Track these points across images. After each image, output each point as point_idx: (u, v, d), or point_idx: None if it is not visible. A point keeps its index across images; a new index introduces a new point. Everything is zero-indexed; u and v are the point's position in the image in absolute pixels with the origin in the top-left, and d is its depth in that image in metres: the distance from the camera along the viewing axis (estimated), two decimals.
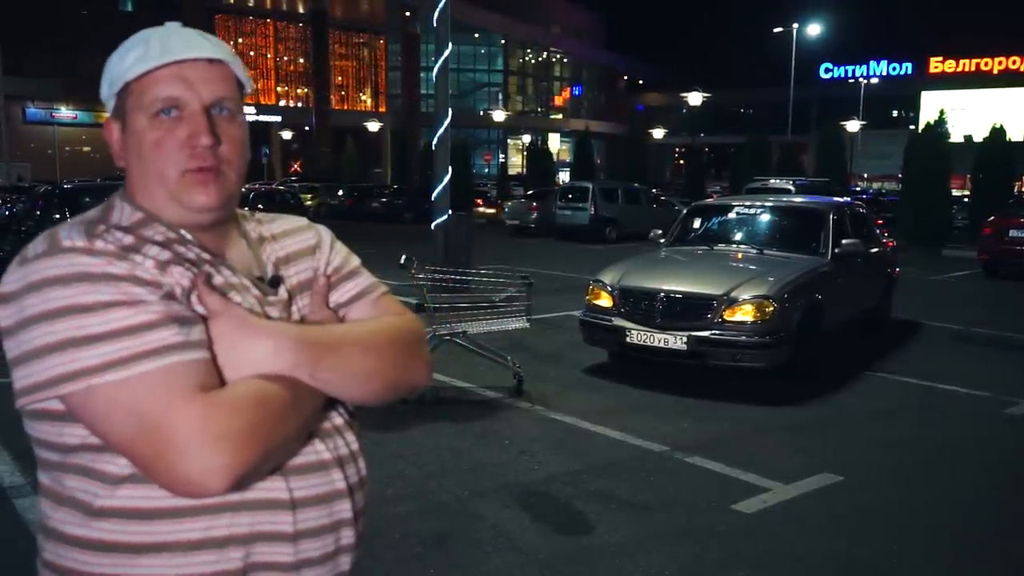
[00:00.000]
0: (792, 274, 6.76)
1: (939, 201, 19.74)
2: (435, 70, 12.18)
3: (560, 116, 71.26)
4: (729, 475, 4.71)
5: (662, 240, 8.43)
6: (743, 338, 6.25)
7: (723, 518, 4.11)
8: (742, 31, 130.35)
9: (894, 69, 62.22)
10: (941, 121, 20.25)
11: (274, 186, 28.77)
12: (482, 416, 5.79)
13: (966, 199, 24.20)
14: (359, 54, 57.06)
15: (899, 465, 5.00)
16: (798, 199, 10.20)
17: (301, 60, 53.51)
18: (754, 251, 7.54)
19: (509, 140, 65.56)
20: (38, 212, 10.92)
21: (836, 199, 9.82)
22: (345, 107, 54.92)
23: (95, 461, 1.04)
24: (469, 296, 6.76)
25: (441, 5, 11.70)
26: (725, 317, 6.29)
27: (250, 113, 1.25)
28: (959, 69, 59.12)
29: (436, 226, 11.76)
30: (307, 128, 51.37)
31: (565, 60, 72.64)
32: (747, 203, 8.59)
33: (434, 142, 12.33)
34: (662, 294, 6.56)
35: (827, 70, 64.81)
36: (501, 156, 58.69)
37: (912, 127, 37.00)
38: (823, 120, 46.89)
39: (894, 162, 26.83)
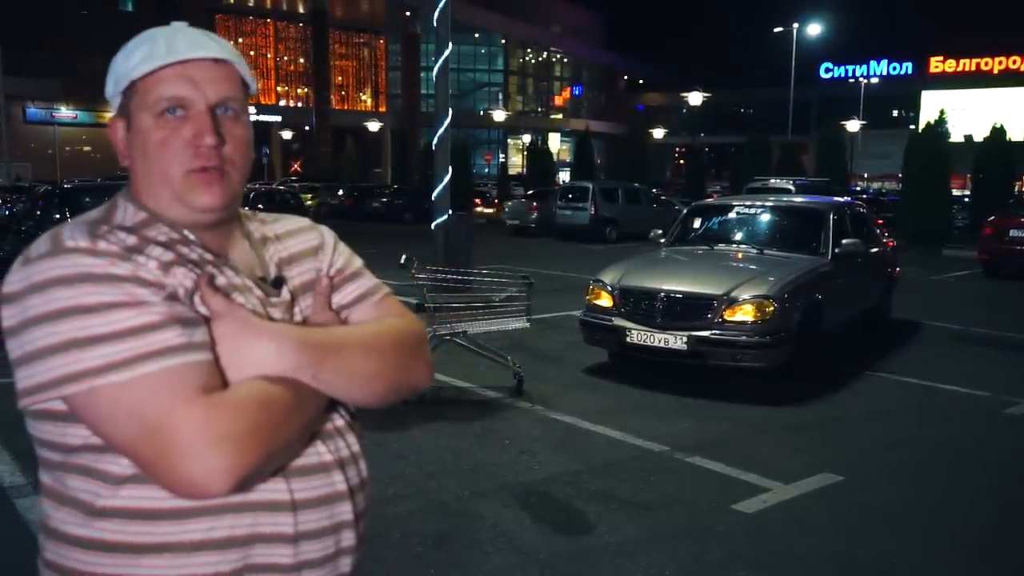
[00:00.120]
0: (792, 274, 6.76)
1: (939, 201, 19.74)
2: (435, 70, 12.19)
3: (560, 116, 71.27)
4: (729, 475, 4.71)
5: (662, 240, 8.43)
6: (743, 338, 6.26)
7: (723, 518, 4.11)
8: (742, 31, 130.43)
9: (894, 69, 62.21)
10: (941, 121, 20.25)
11: (274, 186, 28.80)
12: (482, 416, 5.79)
13: (966, 199, 24.20)
14: (359, 54, 57.07)
15: (899, 465, 5.00)
16: (798, 199, 10.20)
17: (301, 60, 53.52)
18: (754, 251, 7.54)
19: (509, 140, 65.57)
20: (38, 212, 10.91)
21: (836, 199, 9.82)
22: (345, 107, 54.94)
23: (97, 461, 1.04)
24: (469, 296, 6.76)
25: (441, 5, 11.70)
26: (725, 317, 6.29)
27: (250, 113, 1.25)
28: (959, 69, 59.12)
29: (436, 226, 11.77)
30: (307, 128, 51.38)
31: (565, 60, 72.65)
32: (747, 203, 8.59)
33: (434, 142, 12.34)
34: (662, 294, 6.56)
35: (827, 70, 64.81)
36: (501, 156, 58.66)
37: (912, 127, 36.98)
38: (823, 120, 46.89)
39: (894, 162, 26.84)
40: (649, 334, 6.50)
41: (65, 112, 41.00)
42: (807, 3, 51.82)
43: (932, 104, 33.99)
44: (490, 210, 30.74)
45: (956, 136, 25.16)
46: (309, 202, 30.37)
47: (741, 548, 3.79)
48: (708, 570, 3.59)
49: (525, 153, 41.51)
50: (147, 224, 1.11)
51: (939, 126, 20.20)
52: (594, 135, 40.83)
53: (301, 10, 52.24)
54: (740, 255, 7.59)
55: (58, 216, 9.64)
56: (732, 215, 8.44)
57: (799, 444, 5.32)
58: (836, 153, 27.96)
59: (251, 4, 51.29)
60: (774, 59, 55.80)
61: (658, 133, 57.12)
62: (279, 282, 1.22)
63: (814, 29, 44.11)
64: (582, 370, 7.22)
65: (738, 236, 8.06)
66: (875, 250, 8.88)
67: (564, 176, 46.85)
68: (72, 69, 38.25)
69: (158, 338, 0.99)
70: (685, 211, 9.12)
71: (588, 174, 30.96)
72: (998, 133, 21.16)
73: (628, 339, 6.63)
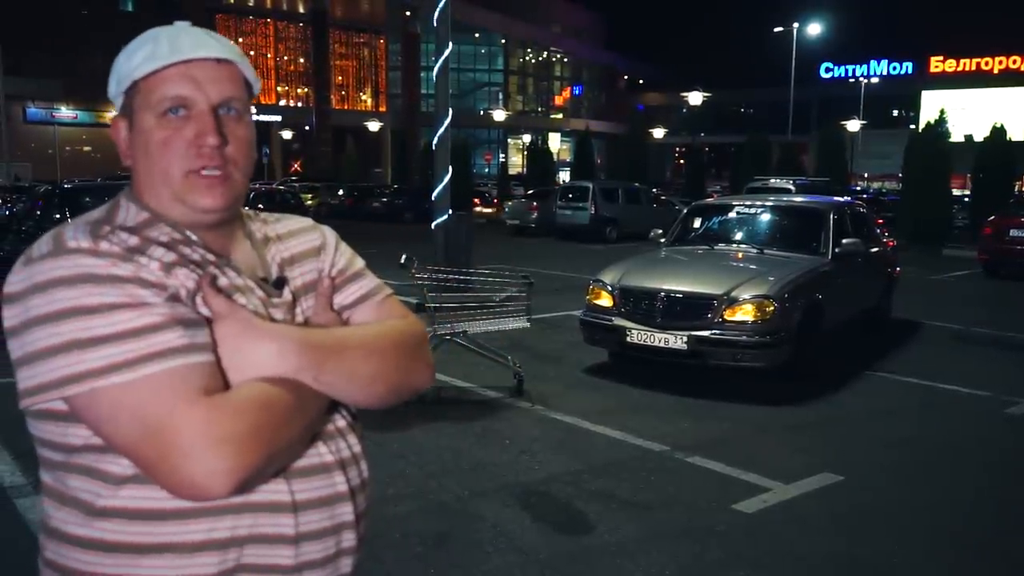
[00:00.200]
0: (792, 274, 6.76)
1: (939, 201, 19.74)
2: (435, 70, 12.18)
3: (560, 116, 71.27)
4: (729, 475, 4.71)
5: (662, 240, 8.43)
6: (743, 338, 6.25)
7: (723, 518, 4.11)
8: (742, 31, 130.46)
9: (894, 69, 62.22)
10: (941, 121, 20.25)
11: (274, 186, 28.81)
12: (482, 416, 5.79)
13: (966, 199, 24.20)
14: (359, 54, 57.08)
15: (900, 465, 5.00)
16: (798, 199, 10.19)
17: (301, 60, 53.53)
18: (754, 251, 7.54)
19: (509, 140, 65.58)
20: (38, 212, 10.91)
21: (836, 199, 9.81)
22: (345, 107, 54.95)
23: (98, 461, 1.04)
24: (469, 296, 6.76)
25: (441, 5, 11.70)
26: (725, 317, 6.29)
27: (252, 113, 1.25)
28: (959, 69, 59.13)
29: (436, 226, 11.76)
30: (307, 128, 51.38)
31: (565, 60, 72.66)
32: (747, 203, 8.59)
33: (434, 142, 12.33)
34: (662, 294, 6.56)
35: (827, 70, 64.82)
36: (501, 156, 58.64)
37: (912, 127, 36.99)
38: (823, 120, 46.97)
39: (894, 162, 26.83)
40: (649, 334, 6.50)
41: (65, 112, 41.01)
42: (807, 3, 51.87)
43: (932, 104, 33.97)
44: (489, 210, 30.77)
45: (956, 136, 25.15)
46: (309, 202, 30.38)
47: (741, 548, 3.79)
48: (708, 570, 3.59)
49: (525, 153, 41.51)
50: (149, 224, 1.11)
51: (939, 126, 20.20)
52: (594, 135, 40.84)
53: (301, 10, 52.25)
54: (740, 255, 7.59)
55: (58, 216, 9.63)
56: (732, 215, 8.44)
57: (799, 444, 5.32)
58: (836, 153, 27.97)
59: (251, 4, 51.30)
60: (774, 59, 55.86)
61: (658, 133, 57.13)
62: (281, 283, 1.22)
63: (814, 29, 44.13)
64: (582, 370, 7.22)
65: (738, 236, 8.06)
66: (875, 250, 8.88)
67: (564, 176, 46.87)
68: (72, 69, 38.26)
69: (160, 339, 0.99)
70: (685, 211, 9.12)
71: (588, 174, 30.97)
72: (998, 133, 21.16)
73: (628, 339, 6.63)
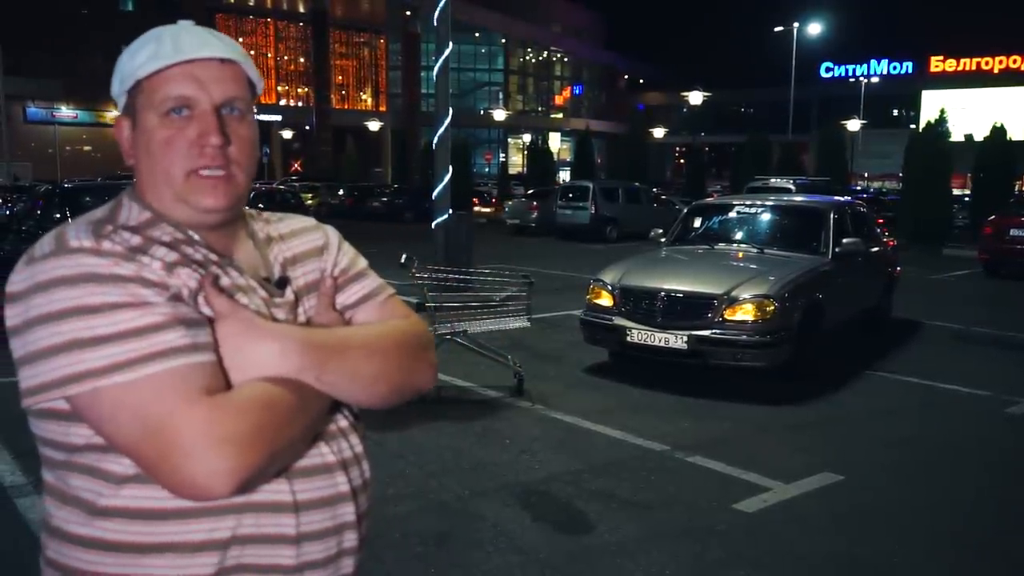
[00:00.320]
0: (793, 273, 6.76)
1: (940, 200, 19.73)
2: (435, 69, 12.18)
3: (560, 115, 71.28)
4: (730, 474, 4.71)
5: (663, 239, 8.42)
6: (744, 337, 6.25)
7: (724, 517, 4.11)
8: (742, 31, 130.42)
9: (895, 68, 62.20)
10: (942, 120, 20.25)
11: (275, 185, 28.81)
12: (483, 415, 5.79)
13: (967, 198, 24.20)
14: (359, 53, 57.09)
15: (900, 464, 5.00)
16: (799, 198, 10.19)
17: (301, 59, 53.53)
18: (755, 250, 7.54)
19: (509, 139, 65.58)
20: (38, 212, 10.91)
21: (837, 198, 9.81)
22: (345, 106, 54.95)
23: (100, 461, 1.04)
24: (470, 295, 6.76)
25: (441, 4, 11.70)
26: (726, 316, 6.29)
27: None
28: (960, 68, 59.12)
29: (436, 225, 11.77)
30: (307, 127, 51.38)
31: (565, 59, 72.66)
32: (747, 202, 8.59)
33: (434, 141, 12.33)
34: (663, 293, 6.56)
35: (828, 69, 64.80)
36: (501, 155, 58.64)
37: (913, 126, 37.02)
38: (824, 119, 46.96)
39: (895, 161, 26.83)
40: (649, 333, 6.50)
41: (65, 112, 41.02)
42: (807, 2, 51.83)
43: (932, 103, 33.97)
44: (487, 209, 30.80)
45: (957, 135, 25.15)
46: (309, 202, 30.38)
47: (742, 547, 3.79)
48: (709, 569, 3.59)
49: (525, 152, 41.55)
50: (152, 224, 1.11)
51: (939, 125, 20.20)
52: (594, 134, 40.84)
53: (301, 9, 52.26)
54: (740, 254, 7.58)
55: (58, 216, 9.63)
56: (732, 214, 8.43)
57: (800, 443, 5.32)
58: (836, 152, 27.96)
59: (251, 3, 51.31)
60: (774, 58, 55.84)
61: (658, 133, 57.16)
62: (283, 282, 1.22)
63: (814, 28, 44.11)
64: (582, 369, 7.22)
65: (738, 235, 8.06)
66: (875, 249, 8.88)
67: (564, 175, 46.89)
68: (72, 69, 38.27)
69: (162, 339, 0.99)
70: (685, 210, 9.12)
71: (588, 173, 30.97)
72: (998, 132, 21.16)
73: (628, 338, 6.63)
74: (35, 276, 1.01)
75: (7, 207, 17.10)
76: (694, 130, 56.92)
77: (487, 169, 54.03)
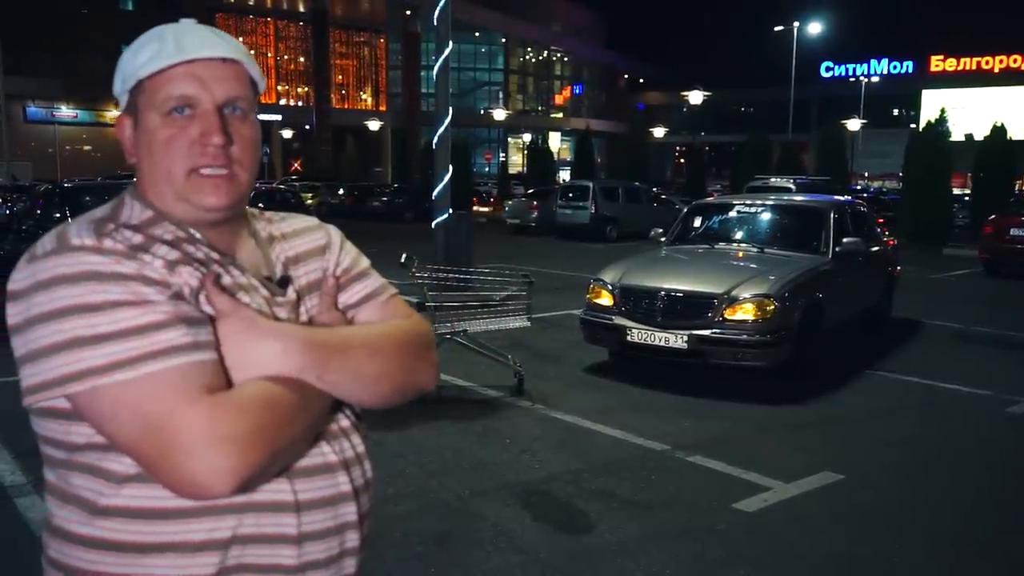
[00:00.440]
0: (793, 273, 6.75)
1: (940, 200, 19.73)
2: (435, 69, 12.17)
3: (561, 115, 71.27)
4: (730, 474, 4.71)
5: (663, 239, 8.42)
6: (744, 337, 6.25)
7: (724, 517, 4.11)
8: (742, 30, 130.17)
9: (895, 68, 62.19)
10: (942, 120, 20.25)
11: (275, 185, 28.78)
12: (483, 415, 5.79)
13: (967, 198, 24.20)
14: (360, 53, 57.08)
15: (900, 464, 5.00)
16: (799, 198, 10.20)
17: (301, 59, 53.52)
18: (755, 250, 7.54)
19: (510, 139, 65.58)
20: (38, 211, 10.91)
21: (837, 198, 9.81)
22: (346, 106, 54.94)
23: (101, 460, 1.04)
24: (470, 295, 6.75)
25: (442, 4, 11.69)
26: (726, 316, 6.29)
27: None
28: (960, 68, 59.12)
29: (436, 225, 11.75)
30: (307, 127, 51.37)
31: (566, 59, 72.65)
32: (748, 202, 8.59)
33: (434, 141, 12.32)
34: (663, 293, 6.55)
35: (828, 69, 64.79)
36: (501, 155, 58.65)
37: (913, 126, 36.98)
38: (824, 119, 46.91)
39: (895, 161, 26.82)
40: (650, 333, 6.50)
41: (65, 111, 41.01)
42: (807, 2, 51.77)
43: (933, 103, 33.98)
44: (486, 209, 30.84)
45: (957, 135, 25.15)
46: (309, 201, 30.36)
47: (742, 547, 3.78)
48: (709, 569, 3.59)
49: (525, 152, 41.57)
50: (153, 222, 1.11)
51: (940, 125, 20.20)
52: (594, 134, 40.83)
53: (301, 9, 52.25)
54: (741, 254, 7.58)
55: (58, 215, 9.63)
56: (733, 214, 8.43)
57: (800, 443, 5.32)
58: (837, 152, 27.96)
59: (251, 3, 51.30)
60: (774, 58, 55.81)
61: (658, 132, 57.14)
62: (285, 281, 1.22)
63: (814, 28, 44.09)
64: (583, 369, 7.22)
65: (739, 235, 8.06)
66: (876, 249, 8.88)
67: (564, 175, 46.87)
68: (72, 68, 38.26)
69: (163, 337, 0.99)
70: (686, 210, 9.11)
71: (588, 173, 30.97)
72: (999, 132, 21.16)
73: (629, 338, 6.63)
74: (36, 274, 1.01)
75: (7, 207, 17.10)
76: (694, 130, 56.94)
77: (487, 169, 54.02)
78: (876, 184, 51.22)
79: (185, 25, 1.16)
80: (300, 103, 53.25)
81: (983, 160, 21.27)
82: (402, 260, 6.20)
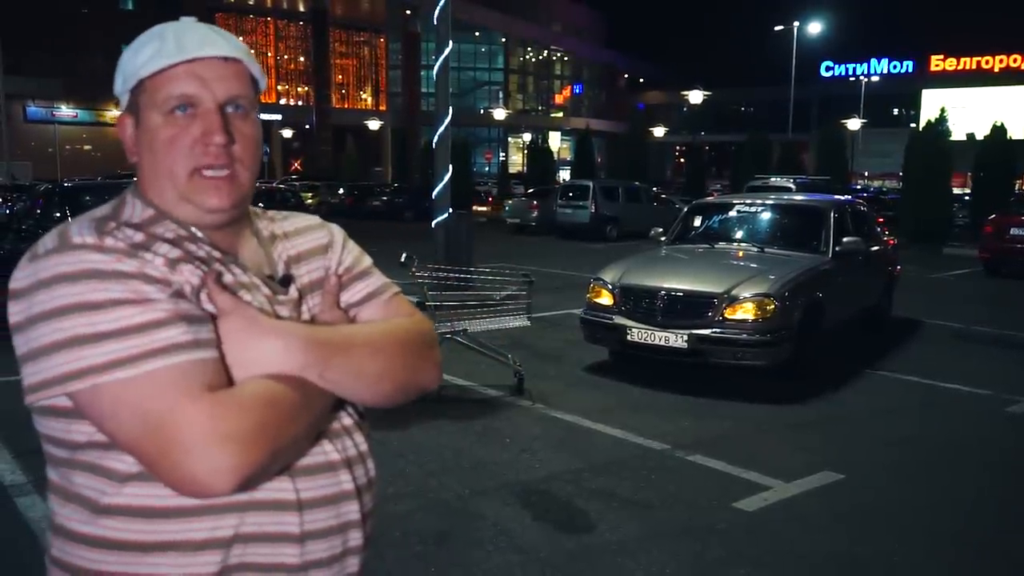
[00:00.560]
0: (793, 272, 6.75)
1: (940, 199, 19.74)
2: (436, 68, 12.16)
3: (561, 114, 71.25)
4: (730, 473, 4.71)
5: (663, 238, 8.42)
6: (744, 336, 6.25)
7: (724, 516, 4.11)
8: (742, 30, 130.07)
9: (895, 67, 62.16)
10: (942, 119, 20.25)
11: (275, 185, 28.79)
12: (483, 414, 5.79)
13: (967, 197, 24.19)
14: (360, 52, 57.06)
15: (900, 463, 5.00)
16: (799, 197, 10.19)
17: (301, 58, 53.51)
18: (755, 249, 7.54)
19: (510, 138, 65.55)
20: (38, 211, 10.91)
21: (837, 197, 9.80)
22: (346, 105, 54.93)
23: (102, 458, 1.04)
24: (470, 294, 6.75)
25: (442, 3, 11.68)
26: (726, 315, 6.29)
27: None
28: (960, 67, 59.08)
29: (437, 224, 11.75)
30: (307, 126, 51.37)
31: (566, 58, 72.64)
32: (748, 201, 8.59)
33: (434, 140, 12.31)
34: (663, 292, 6.55)
35: (828, 68, 64.76)
36: (502, 154, 58.66)
37: (913, 125, 36.98)
38: (824, 118, 46.93)
39: (895, 160, 26.82)
40: (650, 332, 6.50)
41: (65, 111, 40.99)
42: (807, 2, 51.74)
43: (933, 102, 33.98)
44: (484, 208, 30.88)
45: (957, 134, 25.15)
46: (309, 201, 30.37)
47: (742, 546, 3.78)
48: (709, 568, 3.59)
49: (525, 152, 41.55)
50: (155, 221, 1.11)
51: (940, 124, 20.21)
52: (594, 134, 40.83)
53: (302, 8, 52.24)
54: (741, 253, 7.58)
55: (58, 215, 9.64)
56: (733, 213, 8.43)
57: (800, 442, 5.32)
58: (837, 152, 27.96)
59: (251, 3, 51.29)
60: (774, 58, 55.78)
61: (659, 132, 57.13)
62: (287, 280, 1.22)
63: (815, 27, 44.06)
64: (583, 368, 7.22)
65: (739, 234, 8.06)
66: (876, 248, 8.87)
67: (564, 175, 46.86)
68: (72, 68, 38.26)
69: (163, 335, 0.99)
70: (686, 209, 9.11)
71: (589, 173, 30.98)
72: (998, 131, 21.15)
73: (629, 337, 6.62)
74: (38, 273, 1.01)
75: (7, 206, 17.10)
76: (694, 129, 56.89)
77: (487, 168, 54.00)
78: (876, 184, 51.23)
79: (186, 24, 1.15)
80: (300, 103, 53.24)
81: (983, 160, 21.27)
82: (402, 259, 6.20)
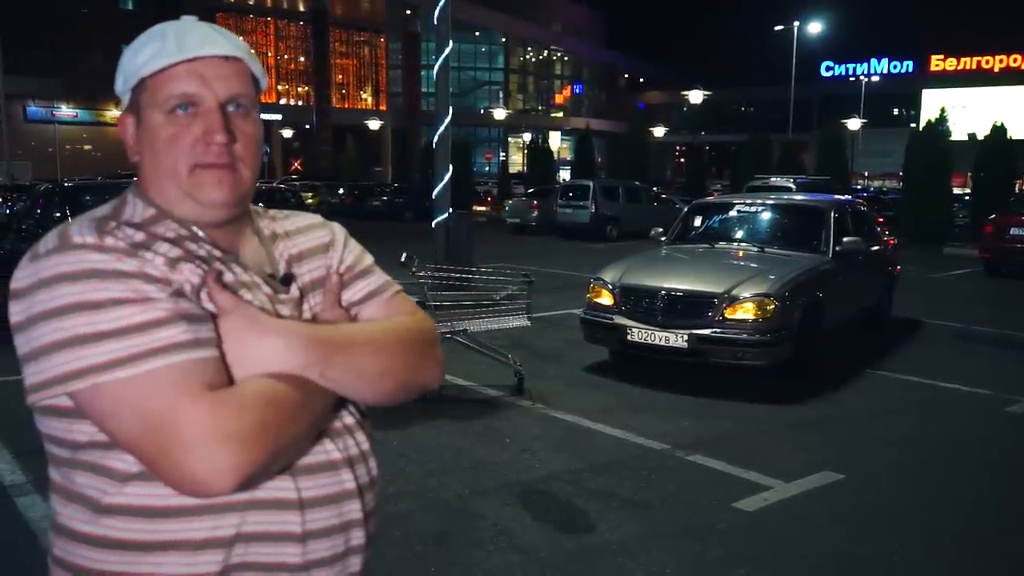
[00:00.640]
0: (793, 272, 6.75)
1: (940, 199, 19.74)
2: (436, 68, 12.16)
3: (561, 114, 71.25)
4: (730, 473, 4.71)
5: (663, 238, 8.42)
6: (744, 336, 6.25)
7: (724, 516, 4.11)
8: (743, 29, 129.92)
9: (895, 67, 62.17)
10: (942, 119, 20.25)
11: (275, 184, 28.79)
12: (483, 414, 5.79)
13: (967, 197, 24.19)
14: (360, 52, 57.06)
15: (900, 463, 5.00)
16: (799, 197, 10.19)
17: (302, 58, 53.51)
18: (755, 249, 7.54)
19: (510, 138, 65.55)
20: (38, 211, 10.91)
21: (837, 197, 9.80)
22: (346, 105, 54.93)
23: (104, 458, 1.04)
24: (470, 294, 6.75)
25: (442, 3, 11.68)
26: (726, 315, 6.29)
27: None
28: (960, 67, 59.09)
29: (437, 224, 11.75)
30: (308, 126, 51.36)
31: (566, 58, 72.64)
32: (748, 201, 8.59)
33: (435, 140, 12.32)
34: (663, 292, 6.55)
35: (828, 68, 64.76)
36: (502, 154, 58.63)
37: (913, 125, 36.98)
38: (824, 118, 46.88)
39: (895, 160, 26.83)
40: (650, 332, 6.50)
41: (66, 111, 40.97)
42: (807, 2, 51.73)
43: (933, 102, 33.97)
44: (484, 208, 30.90)
45: (958, 134, 25.14)
46: (309, 200, 30.36)
47: (742, 546, 3.78)
48: (709, 568, 3.59)
49: (526, 151, 41.56)
50: (156, 220, 1.11)
51: (940, 124, 20.21)
52: (595, 133, 40.82)
53: (302, 8, 52.24)
54: (741, 253, 7.58)
55: (58, 215, 9.64)
56: (733, 213, 8.43)
57: (800, 442, 5.32)
58: (837, 151, 27.95)
59: (252, 2, 51.28)
60: (775, 57, 55.75)
61: (659, 132, 57.12)
62: (288, 279, 1.22)
63: (815, 27, 44.05)
64: (583, 368, 7.22)
65: (739, 234, 8.06)
66: (876, 248, 8.87)
67: (565, 174, 46.88)
68: (72, 68, 38.24)
69: (163, 334, 0.99)
70: (686, 209, 9.11)
71: (589, 172, 30.97)
72: (999, 131, 21.15)
73: (629, 337, 6.62)
74: (39, 272, 1.01)
75: (7, 206, 17.10)
76: (694, 129, 56.93)
77: (487, 168, 53.98)
78: (876, 184, 51.22)
79: (186, 23, 1.15)
80: (300, 103, 53.23)
81: (983, 159, 21.26)
82: (402, 259, 6.20)
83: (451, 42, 12.00)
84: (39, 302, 1.00)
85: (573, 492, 4.40)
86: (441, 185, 11.84)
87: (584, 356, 7.43)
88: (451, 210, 11.88)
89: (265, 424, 1.00)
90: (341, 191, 32.83)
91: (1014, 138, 21.88)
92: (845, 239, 7.58)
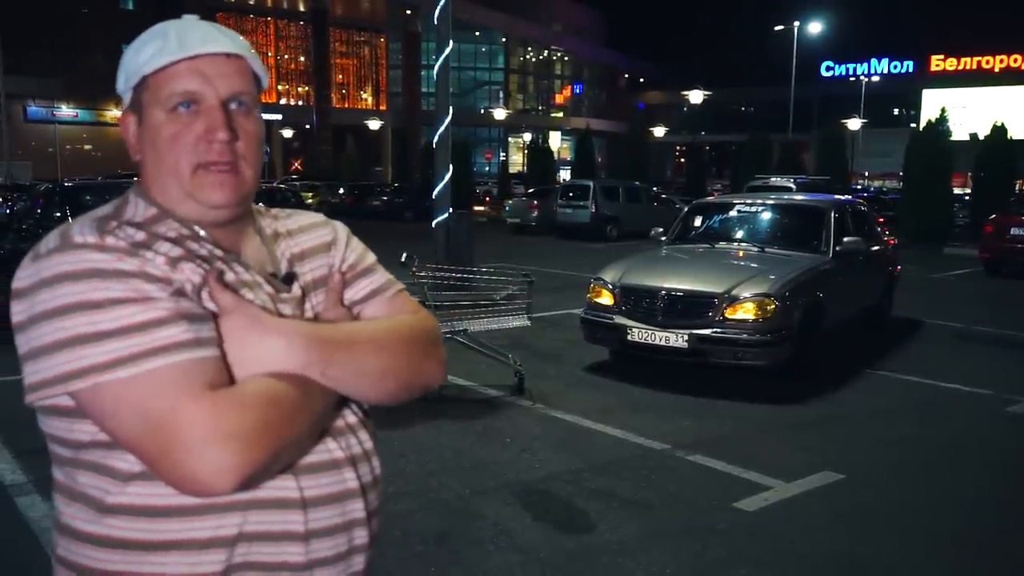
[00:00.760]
0: (793, 272, 6.75)
1: (940, 199, 19.75)
2: (436, 68, 12.17)
3: (561, 114, 71.25)
4: (731, 473, 4.71)
5: (663, 238, 8.42)
6: (744, 336, 6.25)
7: (724, 516, 4.11)
8: (743, 29, 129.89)
9: (895, 67, 62.16)
10: (942, 119, 20.26)
11: (275, 184, 28.78)
12: (483, 414, 5.79)
13: (967, 197, 24.20)
14: (360, 52, 57.06)
15: (901, 463, 5.00)
16: (799, 197, 10.19)
17: (302, 58, 53.50)
18: (755, 249, 7.54)
19: (510, 138, 65.55)
20: (39, 211, 10.91)
21: (837, 197, 9.80)
22: (346, 105, 54.92)
23: (106, 458, 1.04)
24: (470, 294, 6.75)
25: (442, 3, 11.68)
26: (726, 315, 6.29)
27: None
28: (960, 67, 59.07)
29: (437, 224, 11.76)
30: (308, 126, 51.36)
31: (566, 58, 72.65)
32: (748, 201, 8.59)
33: (435, 140, 12.32)
34: (663, 292, 6.55)
35: (828, 68, 64.74)
36: (502, 154, 58.65)
37: (913, 125, 36.98)
38: (824, 118, 46.83)
39: (895, 160, 26.83)
40: (650, 332, 6.50)
41: (66, 111, 40.97)
42: (807, 2, 51.70)
43: (933, 102, 33.98)
44: (484, 208, 30.91)
45: (958, 134, 25.13)
46: (309, 200, 30.36)
47: (742, 546, 3.79)
48: (709, 568, 3.59)
49: (526, 151, 41.58)
50: (157, 220, 1.11)
51: (940, 124, 20.21)
52: (595, 133, 40.84)
53: (302, 8, 52.23)
54: (741, 253, 7.58)
55: (59, 215, 9.64)
56: (733, 213, 8.43)
57: (800, 442, 5.32)
58: (837, 151, 27.95)
59: (252, 2, 51.28)
60: (775, 57, 55.72)
61: (659, 131, 57.09)
62: (290, 278, 1.22)
63: (815, 27, 44.03)
64: (583, 368, 7.22)
65: (739, 234, 8.06)
66: (876, 248, 8.88)
67: (565, 174, 46.88)
68: (73, 68, 38.25)
69: (164, 334, 0.99)
70: (686, 209, 9.11)
71: (589, 172, 30.98)
72: (999, 131, 21.15)
73: (629, 337, 6.62)
74: (40, 272, 1.01)
75: (7, 206, 17.10)
76: (694, 129, 56.97)
77: (487, 168, 53.99)
78: (876, 184, 51.22)
79: (188, 21, 1.16)
80: (300, 102, 53.22)
81: (983, 159, 21.26)
82: (403, 259, 6.20)
83: (451, 42, 12.01)
84: (41, 302, 1.00)
85: (573, 492, 4.40)
86: (441, 185, 11.84)
87: (584, 356, 7.44)
88: (451, 210, 11.89)
89: (266, 423, 1.00)
90: (341, 191, 32.84)
91: (1014, 138, 21.88)
92: (845, 239, 7.58)
